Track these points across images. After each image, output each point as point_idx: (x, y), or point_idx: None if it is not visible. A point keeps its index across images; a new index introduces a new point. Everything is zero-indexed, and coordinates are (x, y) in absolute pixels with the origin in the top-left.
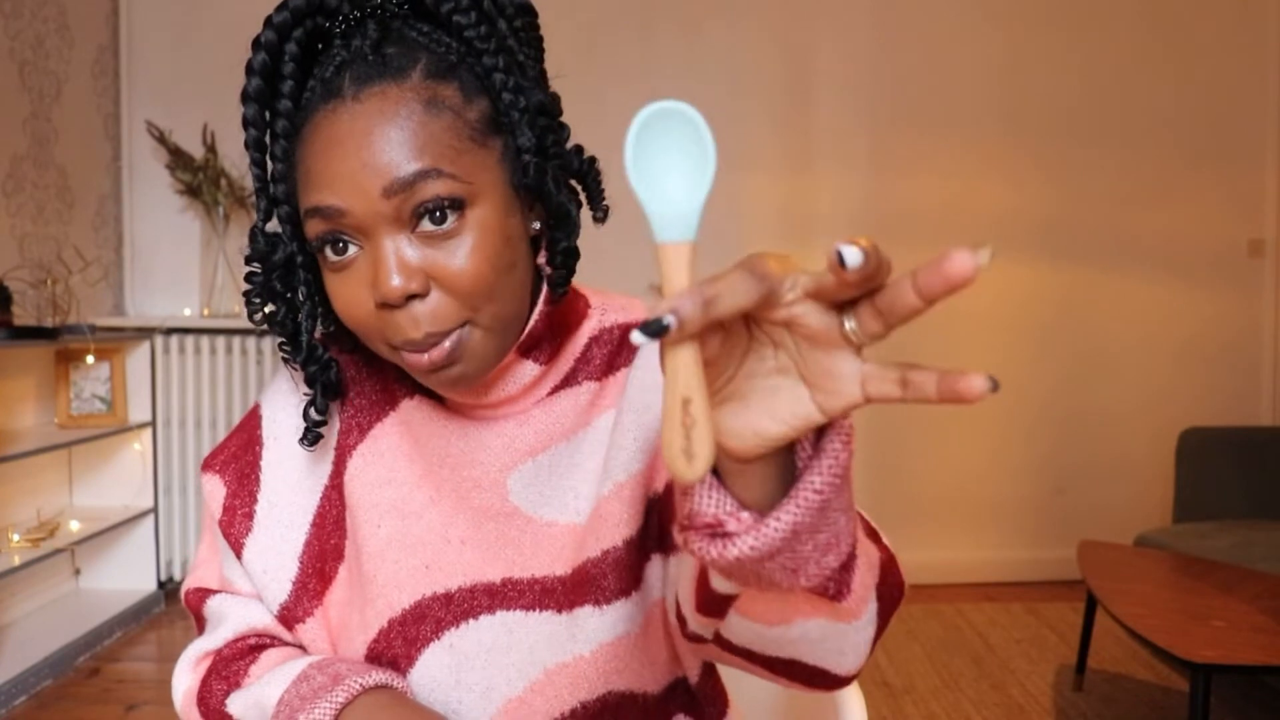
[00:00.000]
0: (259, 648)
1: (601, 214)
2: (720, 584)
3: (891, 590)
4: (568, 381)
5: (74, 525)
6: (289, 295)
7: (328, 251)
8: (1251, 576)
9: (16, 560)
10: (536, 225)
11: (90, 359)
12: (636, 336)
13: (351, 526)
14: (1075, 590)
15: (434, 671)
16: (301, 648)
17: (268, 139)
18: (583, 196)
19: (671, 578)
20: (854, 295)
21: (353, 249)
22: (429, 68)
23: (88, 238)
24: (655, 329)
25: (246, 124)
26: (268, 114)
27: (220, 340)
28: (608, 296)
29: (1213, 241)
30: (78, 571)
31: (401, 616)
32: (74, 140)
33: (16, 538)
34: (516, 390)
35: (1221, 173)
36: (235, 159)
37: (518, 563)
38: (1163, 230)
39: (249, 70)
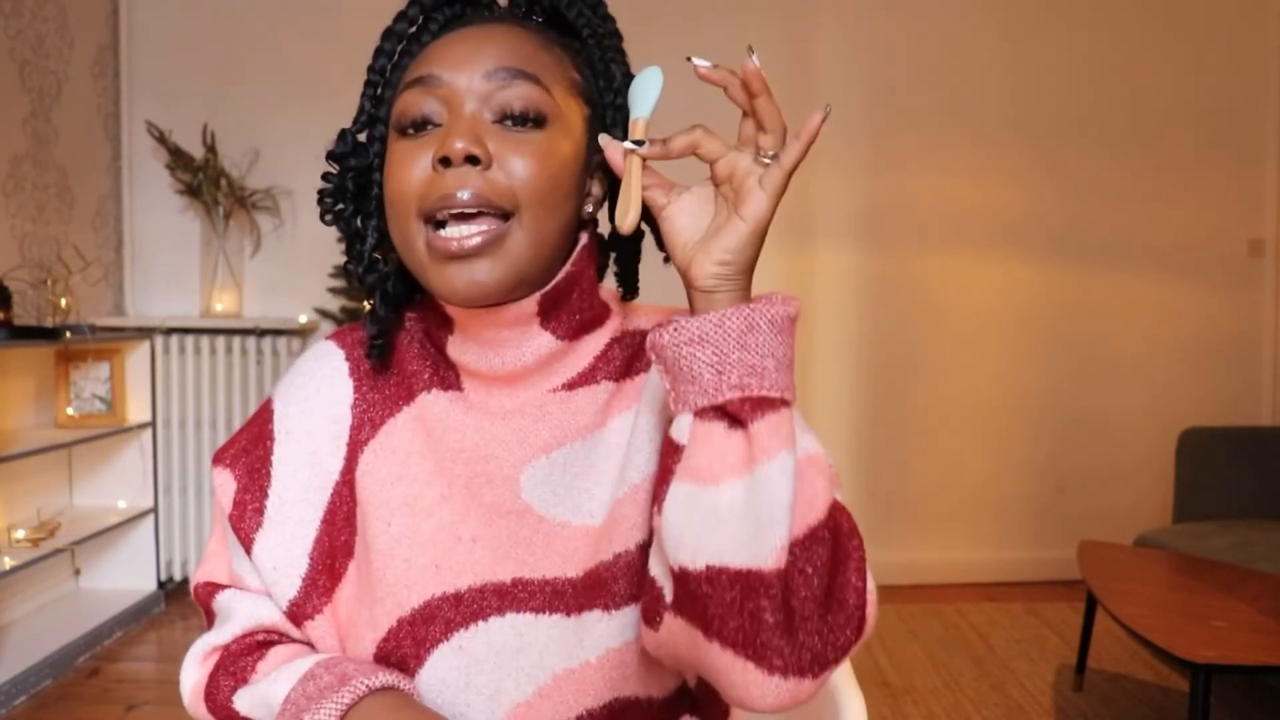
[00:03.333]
0: (267, 644)
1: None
2: (675, 429)
3: (844, 589)
4: (586, 379)
5: (74, 525)
6: (359, 200)
7: (408, 129)
8: (1251, 576)
9: (16, 560)
10: (589, 209)
11: (90, 359)
12: (628, 145)
13: (362, 523)
14: (1075, 590)
15: (443, 673)
16: (310, 644)
17: (389, 69)
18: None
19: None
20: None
21: (430, 128)
22: (549, 33)
23: (88, 238)
24: (639, 141)
25: (380, 54)
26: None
27: (220, 340)
28: (632, 305)
29: (1213, 241)
30: (78, 571)
31: (411, 616)
32: (74, 140)
33: (17, 537)
34: (532, 362)
35: (1221, 173)
36: (235, 159)
37: (529, 563)
38: (1163, 230)
39: (401, 16)
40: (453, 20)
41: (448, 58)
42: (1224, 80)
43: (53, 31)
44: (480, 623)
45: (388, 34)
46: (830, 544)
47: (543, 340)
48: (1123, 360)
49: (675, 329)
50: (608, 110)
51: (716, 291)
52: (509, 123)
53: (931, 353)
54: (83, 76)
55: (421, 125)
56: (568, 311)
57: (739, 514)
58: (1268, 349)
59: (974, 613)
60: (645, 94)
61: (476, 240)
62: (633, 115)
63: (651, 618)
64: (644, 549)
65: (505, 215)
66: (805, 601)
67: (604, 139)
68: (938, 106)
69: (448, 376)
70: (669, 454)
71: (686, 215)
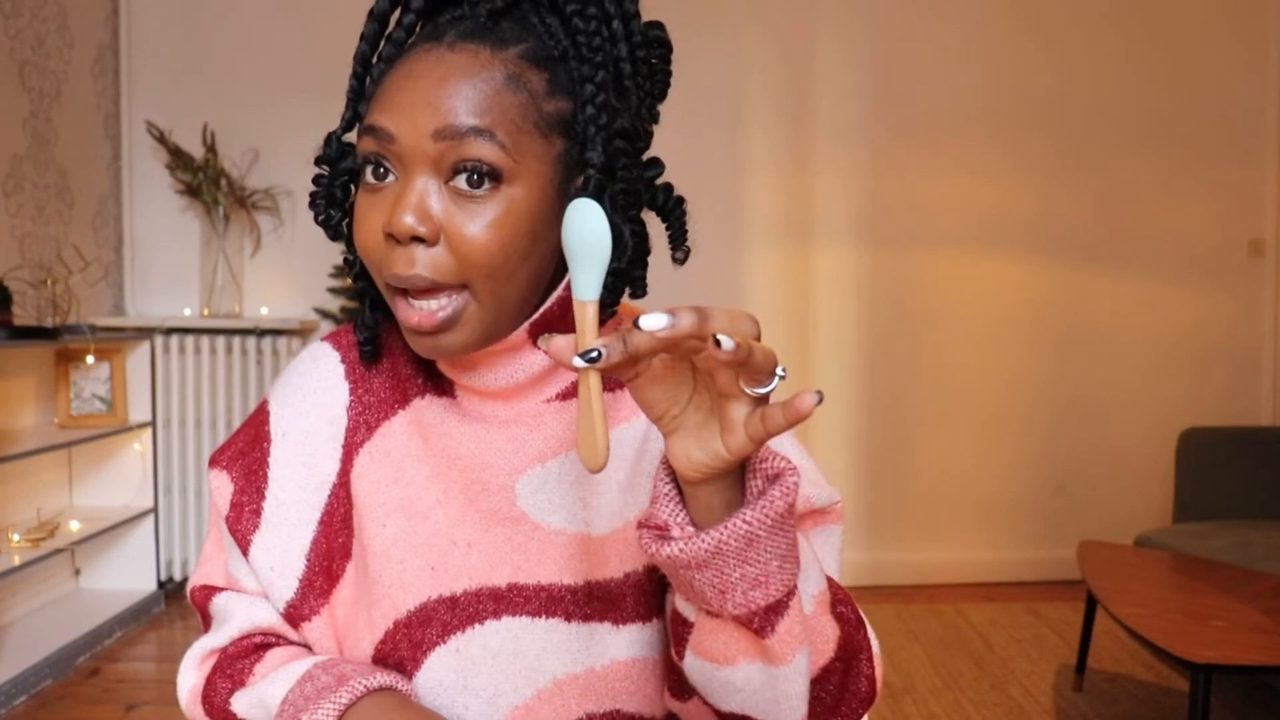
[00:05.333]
0: (264, 646)
1: (682, 255)
2: (681, 605)
3: (856, 680)
4: None
5: (74, 525)
6: (347, 205)
7: (368, 173)
8: (1251, 576)
9: (16, 560)
10: None
11: (90, 359)
12: (578, 361)
13: (358, 525)
14: (1075, 590)
15: (440, 675)
16: (307, 646)
17: (374, 59)
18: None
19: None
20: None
21: (391, 178)
22: (530, 51)
23: (88, 238)
24: (591, 357)
25: (363, 38)
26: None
27: (220, 340)
28: (623, 306)
29: (1213, 241)
30: (78, 571)
31: (407, 619)
32: (74, 140)
33: (16, 538)
34: (525, 379)
35: (1221, 173)
36: (235, 158)
37: (524, 568)
38: (1163, 230)
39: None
40: (432, 9)
41: (399, 106)
42: (1224, 81)
43: (53, 31)
44: (476, 626)
45: (371, 16)
46: (841, 668)
47: (536, 358)
48: (1123, 360)
49: (669, 554)
50: (587, 128)
51: (703, 485)
52: (463, 180)
53: (931, 353)
54: (83, 76)
55: (382, 175)
56: (562, 330)
57: (755, 686)
58: (1268, 349)
59: (974, 613)
60: (580, 244)
61: (438, 317)
62: (576, 295)
63: (680, 694)
64: (651, 572)
65: (461, 287)
66: (820, 715)
67: (551, 348)
68: (937, 107)
69: (441, 383)
70: (677, 622)
71: (660, 387)
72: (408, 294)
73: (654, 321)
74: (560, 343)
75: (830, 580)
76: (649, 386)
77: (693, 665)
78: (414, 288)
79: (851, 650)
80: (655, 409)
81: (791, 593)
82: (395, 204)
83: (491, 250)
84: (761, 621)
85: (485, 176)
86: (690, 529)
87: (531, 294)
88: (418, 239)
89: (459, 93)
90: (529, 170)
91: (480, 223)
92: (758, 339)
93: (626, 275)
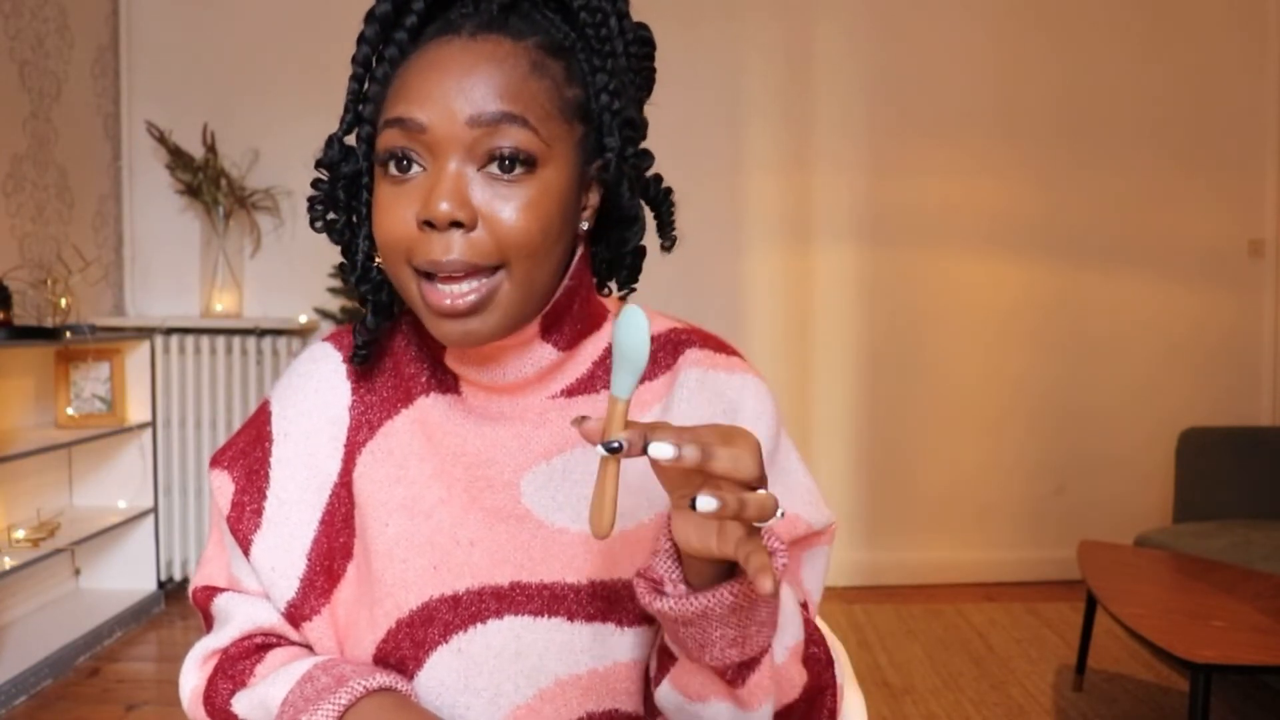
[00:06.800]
0: (265, 647)
1: (669, 243)
2: (670, 642)
3: (818, 714)
4: (585, 387)
5: (74, 525)
6: (351, 206)
7: (391, 166)
8: (1251, 576)
9: (16, 560)
10: (584, 226)
11: (90, 359)
12: (601, 450)
13: (360, 525)
14: (1075, 590)
15: (441, 675)
16: (308, 646)
17: (374, 61)
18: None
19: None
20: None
21: (416, 169)
22: (544, 42)
23: (88, 238)
24: (613, 447)
25: (362, 41)
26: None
27: (220, 340)
28: (612, 301)
29: (1213, 241)
30: (78, 571)
31: (409, 618)
32: (74, 140)
33: (17, 537)
34: (533, 373)
35: (1222, 173)
36: (235, 158)
37: (527, 567)
38: (1163, 231)
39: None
40: (435, 8)
41: (428, 95)
42: (1225, 81)
43: (53, 31)
44: (479, 625)
45: (369, 18)
46: (804, 707)
47: (544, 352)
48: (1123, 360)
49: (660, 609)
50: (603, 115)
51: (697, 559)
52: (496, 166)
53: (932, 353)
54: (83, 76)
55: (406, 167)
56: (569, 322)
57: None
58: (1268, 349)
59: (974, 613)
60: (626, 351)
61: (470, 299)
62: (614, 392)
63: (649, 713)
64: None
65: (495, 269)
66: None
67: (582, 429)
68: (938, 107)
69: (445, 380)
70: (664, 654)
71: (673, 473)
72: (435, 278)
73: (662, 451)
74: (592, 425)
75: (807, 622)
76: (663, 470)
77: (666, 695)
78: (451, 272)
79: (817, 690)
80: (667, 484)
81: (765, 651)
82: (431, 191)
83: (531, 232)
84: (734, 674)
85: (519, 161)
86: (683, 587)
87: (557, 278)
88: (456, 224)
89: (489, 79)
90: (558, 154)
91: (517, 205)
92: (760, 475)
93: (635, 260)
